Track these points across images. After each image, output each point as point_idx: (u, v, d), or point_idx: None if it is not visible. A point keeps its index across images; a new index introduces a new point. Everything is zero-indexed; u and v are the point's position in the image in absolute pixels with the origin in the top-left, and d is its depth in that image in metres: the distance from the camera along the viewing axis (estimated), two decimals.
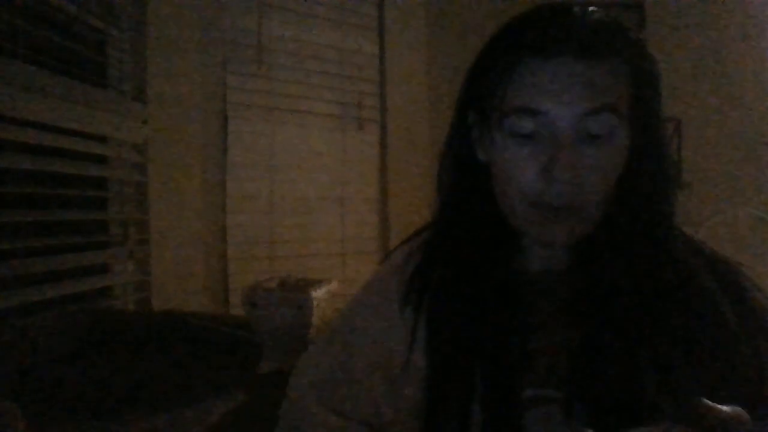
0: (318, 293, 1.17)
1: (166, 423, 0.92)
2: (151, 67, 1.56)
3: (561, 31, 0.55)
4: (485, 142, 0.63)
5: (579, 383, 0.56)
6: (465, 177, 0.66)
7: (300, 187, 1.99)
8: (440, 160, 0.69)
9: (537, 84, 0.55)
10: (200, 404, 0.99)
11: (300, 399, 0.69)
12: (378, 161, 2.21)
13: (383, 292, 0.69)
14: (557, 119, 0.55)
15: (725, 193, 2.64)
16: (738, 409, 0.41)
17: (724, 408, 0.40)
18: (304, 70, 2.00)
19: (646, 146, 0.60)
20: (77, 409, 0.94)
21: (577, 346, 0.58)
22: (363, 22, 2.17)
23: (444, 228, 0.68)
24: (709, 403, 0.40)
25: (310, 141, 2.02)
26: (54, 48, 1.30)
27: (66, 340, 1.16)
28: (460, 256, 0.65)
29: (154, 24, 1.56)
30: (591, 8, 0.59)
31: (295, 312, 1.13)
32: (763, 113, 2.67)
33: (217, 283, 1.79)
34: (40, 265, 1.22)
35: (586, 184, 0.56)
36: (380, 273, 0.73)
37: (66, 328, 1.17)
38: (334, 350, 0.70)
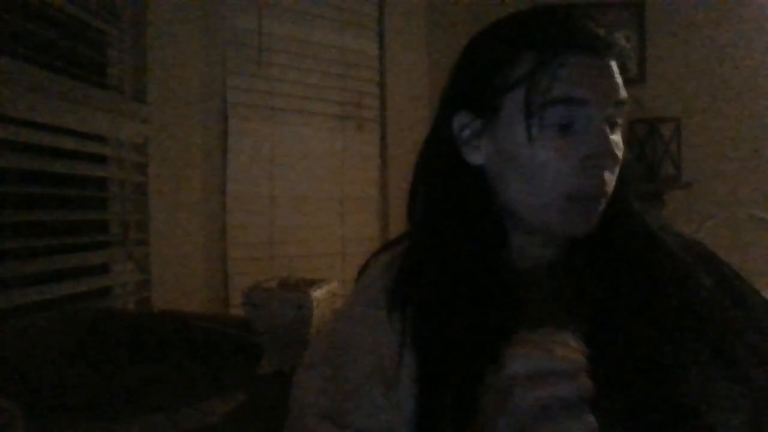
0: (318, 293, 1.17)
1: (166, 423, 0.92)
2: (151, 67, 1.56)
3: (584, 30, 0.59)
4: (480, 143, 0.64)
5: None
6: (454, 180, 0.66)
7: (300, 187, 1.99)
8: (419, 165, 0.69)
9: (575, 76, 0.57)
10: (200, 404, 0.99)
11: (301, 417, 0.69)
12: (378, 161, 2.21)
13: (369, 301, 0.68)
14: (596, 109, 0.58)
15: (725, 193, 2.64)
16: None
17: None
18: (304, 69, 2.00)
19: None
20: (77, 409, 0.94)
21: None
22: (363, 22, 2.17)
23: (430, 231, 0.68)
24: None
25: (310, 141, 2.02)
26: (54, 48, 1.30)
27: (66, 340, 1.16)
28: (449, 256, 0.65)
29: (154, 24, 1.56)
30: (588, 11, 0.63)
31: (295, 312, 1.13)
32: (763, 113, 2.67)
33: (217, 283, 1.79)
34: (40, 265, 1.22)
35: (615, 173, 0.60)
36: (363, 283, 0.72)
37: (66, 328, 1.17)
38: (328, 366, 0.69)
